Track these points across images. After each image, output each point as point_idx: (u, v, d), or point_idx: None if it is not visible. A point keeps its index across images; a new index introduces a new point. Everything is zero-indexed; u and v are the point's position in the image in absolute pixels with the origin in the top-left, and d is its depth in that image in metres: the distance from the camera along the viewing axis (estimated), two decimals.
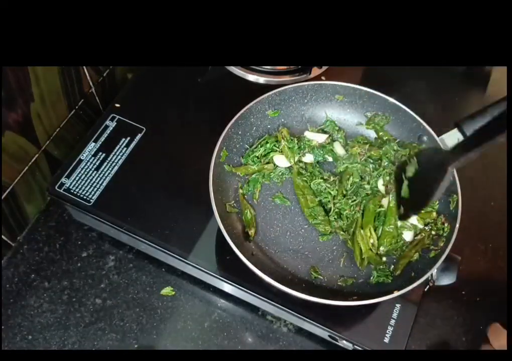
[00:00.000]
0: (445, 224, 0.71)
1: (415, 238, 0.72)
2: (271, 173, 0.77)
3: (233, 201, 0.74)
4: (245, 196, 0.75)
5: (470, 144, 0.54)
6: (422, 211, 0.73)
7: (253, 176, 0.76)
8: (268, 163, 0.77)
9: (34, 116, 0.73)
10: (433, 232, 0.71)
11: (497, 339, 0.65)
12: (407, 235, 0.72)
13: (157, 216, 0.74)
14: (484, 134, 0.53)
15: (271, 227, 0.74)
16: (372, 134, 0.81)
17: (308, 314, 0.68)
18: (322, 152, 0.78)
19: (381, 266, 0.70)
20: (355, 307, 0.63)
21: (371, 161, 0.77)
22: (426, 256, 0.69)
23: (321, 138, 0.79)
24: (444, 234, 0.70)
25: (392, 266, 0.71)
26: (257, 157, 0.77)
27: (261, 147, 0.78)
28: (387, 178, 0.75)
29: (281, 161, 0.77)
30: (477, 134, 0.55)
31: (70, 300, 0.77)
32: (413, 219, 0.73)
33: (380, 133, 0.80)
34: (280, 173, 0.77)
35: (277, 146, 0.78)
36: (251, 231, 0.71)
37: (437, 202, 0.74)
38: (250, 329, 0.76)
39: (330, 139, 0.80)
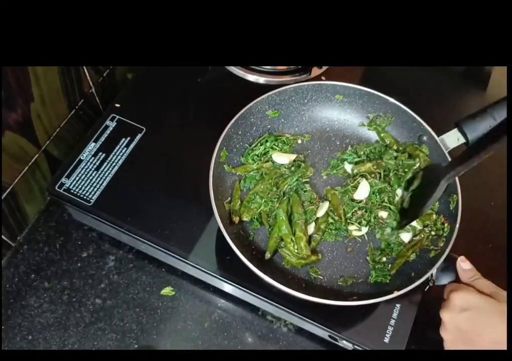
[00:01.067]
0: (445, 224, 0.71)
1: (414, 238, 0.72)
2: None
3: None
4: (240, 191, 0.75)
5: (460, 160, 0.64)
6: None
7: (251, 173, 0.76)
8: (267, 161, 0.77)
9: (34, 116, 0.73)
10: (432, 233, 0.71)
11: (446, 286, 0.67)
12: (405, 237, 0.72)
13: (157, 216, 0.74)
14: (472, 151, 0.63)
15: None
16: (372, 135, 0.81)
17: (308, 314, 0.68)
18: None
19: (380, 266, 0.70)
20: (355, 307, 0.63)
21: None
22: (426, 256, 0.70)
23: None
24: (444, 235, 0.70)
25: (390, 265, 0.71)
26: (257, 155, 0.77)
27: (261, 145, 0.78)
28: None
29: (280, 158, 0.77)
30: (467, 151, 0.65)
31: (70, 300, 0.77)
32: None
33: (382, 135, 0.80)
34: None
35: (276, 144, 0.78)
36: (235, 219, 0.71)
37: (437, 203, 0.74)
38: (250, 329, 0.76)
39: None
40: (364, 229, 0.73)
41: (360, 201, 0.75)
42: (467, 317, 0.60)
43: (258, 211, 0.73)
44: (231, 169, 0.75)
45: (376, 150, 0.79)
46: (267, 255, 0.70)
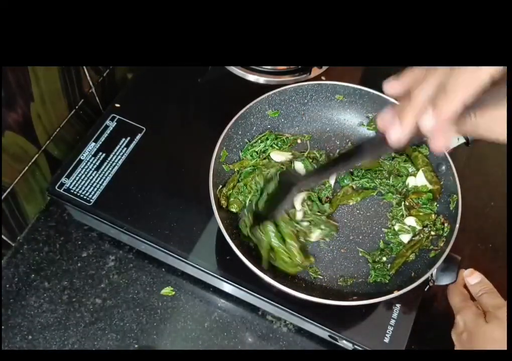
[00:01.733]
0: (445, 224, 0.71)
1: (414, 238, 0.72)
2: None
3: None
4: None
5: (314, 172, 0.64)
6: (421, 213, 0.73)
7: (247, 168, 0.76)
8: (265, 159, 0.77)
9: (34, 116, 0.73)
10: (432, 233, 0.71)
11: (452, 297, 0.68)
12: (404, 237, 0.72)
13: (157, 216, 0.74)
14: (327, 165, 0.63)
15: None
16: (372, 135, 0.81)
17: (308, 314, 0.68)
18: None
19: (379, 266, 0.70)
20: (355, 307, 0.63)
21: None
22: (426, 256, 0.70)
23: None
24: (444, 234, 0.70)
25: (390, 265, 0.71)
26: (256, 152, 0.77)
27: (261, 142, 0.78)
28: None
29: (278, 156, 0.77)
30: (324, 165, 0.65)
31: (70, 300, 0.77)
32: (412, 221, 0.73)
33: None
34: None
35: (276, 143, 0.78)
36: (223, 203, 0.71)
37: (436, 203, 0.74)
38: (250, 329, 0.76)
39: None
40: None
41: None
42: (465, 338, 0.63)
43: (243, 205, 0.73)
44: (228, 167, 0.75)
45: None
46: (265, 266, 0.67)
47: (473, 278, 0.67)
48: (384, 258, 0.71)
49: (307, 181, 0.64)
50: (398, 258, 0.70)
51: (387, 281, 0.69)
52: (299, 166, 0.76)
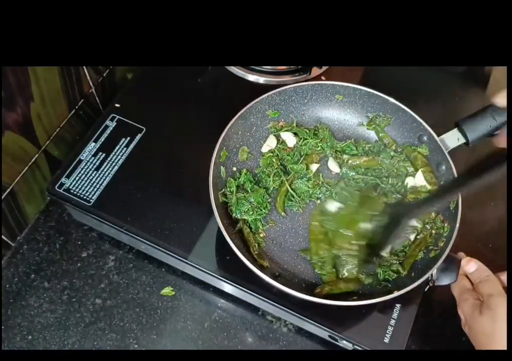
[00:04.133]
0: (445, 224, 0.71)
1: (418, 237, 0.72)
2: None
3: None
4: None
5: (423, 201, 0.64)
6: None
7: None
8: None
9: (34, 116, 0.73)
10: (433, 231, 0.71)
11: (453, 289, 0.68)
12: (410, 237, 0.72)
13: (157, 216, 0.74)
14: (434, 195, 0.64)
15: (271, 228, 0.74)
16: (372, 134, 0.81)
17: (308, 314, 0.68)
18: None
19: (386, 263, 0.70)
20: (355, 307, 0.63)
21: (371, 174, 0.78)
22: (426, 256, 0.70)
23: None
24: (444, 234, 0.70)
25: (396, 262, 0.71)
26: (238, 186, 0.75)
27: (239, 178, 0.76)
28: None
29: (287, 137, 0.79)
30: (433, 195, 0.66)
31: (70, 300, 0.77)
32: (412, 221, 0.73)
33: (381, 134, 0.80)
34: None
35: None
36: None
37: None
38: (250, 329, 0.76)
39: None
40: None
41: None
42: (467, 332, 0.64)
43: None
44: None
45: (375, 149, 0.79)
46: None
47: (469, 266, 0.67)
48: (395, 262, 0.71)
49: (418, 210, 0.62)
50: (408, 259, 0.70)
51: (390, 279, 0.69)
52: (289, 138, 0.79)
